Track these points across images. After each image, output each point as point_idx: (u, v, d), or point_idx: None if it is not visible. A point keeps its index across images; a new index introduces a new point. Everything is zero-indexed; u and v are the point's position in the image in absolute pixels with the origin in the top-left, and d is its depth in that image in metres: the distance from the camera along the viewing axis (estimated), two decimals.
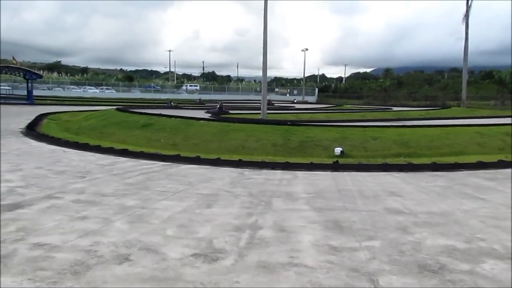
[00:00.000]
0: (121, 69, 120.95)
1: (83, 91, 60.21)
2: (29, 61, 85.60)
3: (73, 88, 61.82)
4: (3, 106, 26.91)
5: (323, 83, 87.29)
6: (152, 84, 76.12)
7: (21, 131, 14.90)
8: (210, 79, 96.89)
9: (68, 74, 77.97)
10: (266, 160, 9.66)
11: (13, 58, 43.88)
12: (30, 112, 21.95)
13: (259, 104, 36.84)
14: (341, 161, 9.64)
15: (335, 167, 8.97)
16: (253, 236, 4.20)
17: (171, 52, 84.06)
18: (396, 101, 53.41)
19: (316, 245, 3.95)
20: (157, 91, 68.22)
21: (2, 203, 5.25)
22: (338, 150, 10.99)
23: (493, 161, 9.28)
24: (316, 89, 73.16)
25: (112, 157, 9.98)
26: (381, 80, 68.37)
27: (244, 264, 3.45)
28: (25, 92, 37.56)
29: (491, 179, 7.71)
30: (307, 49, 64.45)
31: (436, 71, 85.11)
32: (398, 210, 5.36)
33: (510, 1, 57.18)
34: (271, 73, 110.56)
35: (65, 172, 7.70)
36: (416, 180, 7.68)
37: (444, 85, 63.25)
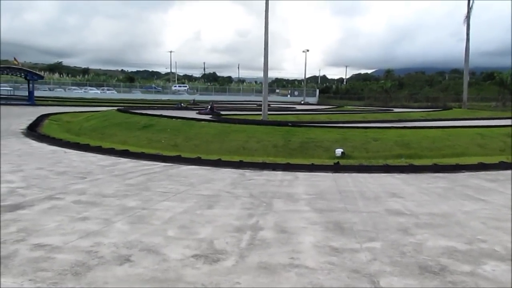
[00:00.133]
0: (122, 70, 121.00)
1: (84, 92, 60.25)
2: (30, 62, 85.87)
3: (74, 89, 61.87)
4: (4, 107, 26.94)
5: (324, 84, 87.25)
6: (153, 85, 76.18)
7: (22, 132, 14.93)
8: (211, 80, 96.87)
9: (69, 75, 78.04)
10: (267, 161, 9.67)
11: (15, 59, 43.96)
12: (31, 113, 21.98)
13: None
14: (342, 162, 9.64)
15: (336, 168, 8.97)
16: (254, 237, 4.20)
17: (172, 53, 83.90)
18: (397, 102, 53.38)
19: (317, 246, 3.94)
20: (158, 92, 68.28)
21: (3, 204, 5.26)
22: (339, 151, 10.98)
23: (494, 162, 9.28)
24: (317, 90, 73.13)
25: (113, 158, 9.98)
26: (382, 81, 68.28)
27: (245, 265, 3.45)
28: (26, 93, 37.68)
29: (492, 181, 7.70)
30: (308, 50, 64.46)
31: (437, 72, 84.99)
32: (399, 212, 5.35)
33: (511, 2, 57.15)
34: (272, 74, 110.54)
35: (66, 173, 7.70)
36: (417, 182, 7.67)
37: (445, 86, 63.20)
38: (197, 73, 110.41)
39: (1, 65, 40.27)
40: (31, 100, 35.06)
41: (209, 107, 25.77)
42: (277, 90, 76.39)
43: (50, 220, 4.61)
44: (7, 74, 40.65)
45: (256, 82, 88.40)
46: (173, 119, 16.25)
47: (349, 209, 5.48)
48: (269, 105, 37.30)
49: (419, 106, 46.50)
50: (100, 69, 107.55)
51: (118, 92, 62.97)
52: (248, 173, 8.42)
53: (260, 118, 20.66)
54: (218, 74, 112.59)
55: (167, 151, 11.35)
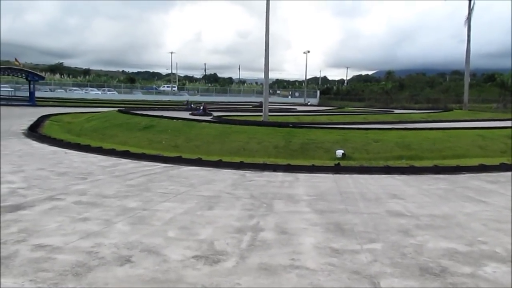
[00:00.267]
0: (123, 70, 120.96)
1: (85, 92, 60.30)
2: (31, 63, 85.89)
3: (75, 90, 61.90)
4: (5, 108, 26.98)
5: (325, 86, 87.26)
6: (154, 86, 76.21)
7: (23, 133, 14.94)
8: (212, 81, 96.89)
9: (70, 76, 78.05)
10: (268, 162, 9.67)
11: (16, 59, 44.02)
12: (32, 114, 22.00)
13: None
14: (343, 163, 9.64)
15: (337, 169, 8.97)
16: (255, 238, 4.20)
17: (173, 54, 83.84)
18: (398, 104, 53.42)
19: (318, 248, 3.94)
20: (158, 93, 68.30)
21: (4, 204, 5.26)
22: (339, 152, 10.98)
23: (495, 164, 9.28)
24: (318, 91, 73.16)
25: (114, 158, 9.99)
26: (383, 82, 68.29)
27: (245, 266, 3.45)
28: (27, 94, 37.72)
29: (493, 182, 7.70)
30: (309, 51, 64.61)
31: (438, 73, 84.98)
32: (400, 213, 5.35)
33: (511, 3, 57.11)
34: (273, 75, 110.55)
35: (67, 174, 7.71)
36: (418, 183, 7.67)
37: (446, 88, 63.18)
38: (198, 74, 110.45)
39: (2, 66, 40.30)
40: (32, 101, 35.10)
41: (202, 108, 25.77)
42: (278, 91, 76.43)
43: (51, 220, 4.61)
44: (8, 75, 40.70)
45: (256, 83, 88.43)
46: (174, 120, 16.27)
47: (349, 210, 5.48)
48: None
49: (420, 107, 46.50)
50: (101, 70, 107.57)
51: (119, 93, 63.01)
52: (249, 174, 8.42)
53: (261, 119, 20.68)
54: (219, 75, 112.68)
55: (168, 152, 11.36)
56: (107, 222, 4.63)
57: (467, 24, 38.03)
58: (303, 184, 7.51)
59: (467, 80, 40.78)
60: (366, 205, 5.82)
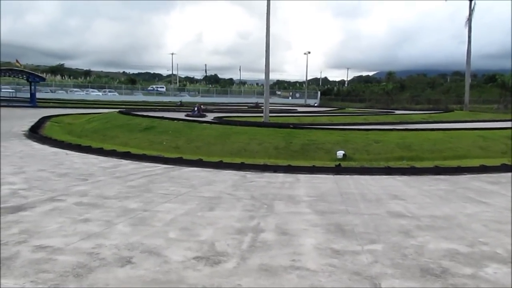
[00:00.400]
0: (123, 72, 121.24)
1: (86, 93, 60.39)
2: (32, 64, 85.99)
3: (76, 91, 61.99)
4: (6, 109, 27.01)
5: (326, 86, 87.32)
6: (155, 87, 76.25)
7: (24, 134, 14.96)
8: (213, 82, 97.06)
9: (71, 77, 78.22)
10: (268, 163, 9.67)
11: (17, 61, 44.18)
12: (33, 115, 22.03)
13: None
14: (344, 164, 9.63)
15: (338, 170, 8.96)
16: (255, 239, 4.20)
17: (173, 55, 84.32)
18: (399, 105, 53.41)
19: (318, 249, 3.94)
20: (159, 93, 68.35)
21: (5, 205, 5.27)
22: (340, 153, 10.99)
23: (496, 164, 9.27)
24: (319, 92, 73.18)
25: (115, 159, 9.99)
26: (384, 83, 68.36)
27: (246, 267, 3.45)
28: (28, 95, 37.76)
29: (494, 183, 7.69)
30: (309, 52, 64.52)
31: (439, 74, 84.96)
32: (401, 214, 5.34)
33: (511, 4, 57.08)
34: (274, 76, 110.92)
35: (68, 175, 7.72)
36: (418, 184, 7.66)
37: (447, 89, 63.14)
38: (198, 75, 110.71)
39: (3, 67, 40.37)
40: (33, 102, 35.12)
41: (196, 108, 25.70)
42: (279, 92, 76.47)
43: (52, 221, 4.61)
44: (9, 76, 40.80)
45: (257, 84, 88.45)
46: (175, 121, 16.28)
47: (350, 211, 5.48)
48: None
49: (421, 108, 46.50)
50: (101, 71, 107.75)
51: (120, 94, 63.09)
52: (250, 175, 8.42)
53: (262, 120, 20.68)
54: (220, 76, 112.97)
55: (169, 153, 11.37)
56: (108, 223, 4.63)
57: (467, 25, 38.05)
58: (304, 185, 7.51)
59: (468, 81, 40.78)
60: (367, 206, 5.81)
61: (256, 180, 7.81)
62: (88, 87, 66.58)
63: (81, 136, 15.55)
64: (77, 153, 10.94)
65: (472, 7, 37.56)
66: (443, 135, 13.76)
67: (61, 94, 56.04)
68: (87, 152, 10.98)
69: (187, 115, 22.29)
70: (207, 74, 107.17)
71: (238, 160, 9.85)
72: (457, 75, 73.20)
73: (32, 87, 36.58)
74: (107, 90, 65.89)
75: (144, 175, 7.94)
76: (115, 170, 8.44)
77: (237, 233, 4.39)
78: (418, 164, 9.61)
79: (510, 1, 43.82)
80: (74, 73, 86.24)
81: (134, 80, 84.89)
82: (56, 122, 20.51)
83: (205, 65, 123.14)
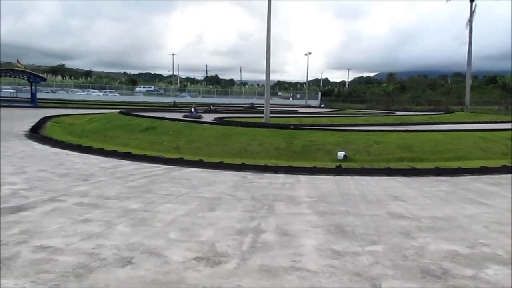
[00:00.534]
0: (124, 72, 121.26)
1: (87, 94, 60.39)
2: (33, 64, 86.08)
3: (76, 91, 61.97)
4: (7, 109, 27.05)
5: (326, 87, 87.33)
6: (156, 87, 76.26)
7: (24, 134, 14.97)
8: (213, 82, 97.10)
9: (72, 77, 78.19)
10: (269, 164, 9.66)
11: (18, 61, 44.16)
12: (34, 115, 22.05)
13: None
14: (344, 165, 9.62)
15: (338, 171, 8.96)
16: (256, 240, 4.20)
17: (174, 55, 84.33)
18: (400, 106, 53.47)
19: (319, 249, 3.94)
20: (160, 94, 68.38)
21: (6, 205, 5.27)
22: (341, 154, 10.98)
23: (496, 166, 9.26)
24: (319, 93, 73.18)
25: (115, 160, 10.00)
26: (385, 84, 68.39)
27: (246, 268, 3.45)
28: (29, 95, 37.76)
29: (494, 184, 7.69)
30: (310, 53, 64.52)
31: (440, 75, 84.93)
32: (401, 215, 5.34)
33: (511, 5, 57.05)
34: (274, 77, 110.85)
35: (68, 175, 7.72)
36: (419, 185, 7.66)
37: (448, 90, 63.14)
38: (199, 76, 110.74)
39: (4, 68, 40.42)
40: (33, 102, 35.14)
41: (193, 109, 25.69)
42: (279, 93, 76.45)
43: (52, 222, 4.62)
44: (10, 76, 40.84)
45: (258, 84, 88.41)
46: (175, 122, 16.28)
47: (351, 212, 5.48)
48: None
49: (422, 109, 46.55)
50: (102, 72, 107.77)
51: (121, 94, 63.10)
52: (250, 175, 8.42)
53: (262, 120, 20.68)
54: (220, 76, 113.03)
55: (169, 153, 11.37)
56: (109, 223, 4.63)
57: (468, 26, 38.05)
58: (304, 186, 7.51)
59: (468, 82, 40.76)
60: (368, 207, 5.81)
61: (257, 181, 7.81)
62: (88, 88, 66.58)
63: (82, 137, 15.55)
64: (78, 153, 10.94)
65: (473, 8, 37.59)
66: (443, 136, 13.75)
67: (61, 95, 56.07)
68: (87, 153, 10.99)
69: (185, 116, 22.32)
70: (208, 75, 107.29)
71: (238, 161, 9.85)
72: (458, 76, 73.22)
73: (33, 87, 36.59)
74: (108, 90, 65.90)
75: (144, 176, 7.94)
76: (115, 171, 8.44)
77: (237, 233, 4.39)
78: (418, 165, 9.60)
79: (511, 2, 43.78)
80: (75, 74, 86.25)
81: (134, 81, 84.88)
82: (57, 122, 20.53)
83: (206, 65, 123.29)
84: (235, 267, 3.46)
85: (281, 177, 8.30)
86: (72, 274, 3.20)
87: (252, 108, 40.13)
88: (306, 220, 4.99)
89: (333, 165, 9.64)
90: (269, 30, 20.85)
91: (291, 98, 72.39)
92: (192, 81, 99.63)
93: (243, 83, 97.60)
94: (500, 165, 9.29)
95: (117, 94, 63.02)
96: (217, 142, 12.93)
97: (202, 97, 66.74)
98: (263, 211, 5.45)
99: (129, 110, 25.11)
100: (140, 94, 65.91)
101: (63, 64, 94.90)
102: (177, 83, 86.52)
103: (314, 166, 9.28)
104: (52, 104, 36.34)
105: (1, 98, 35.00)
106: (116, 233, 4.27)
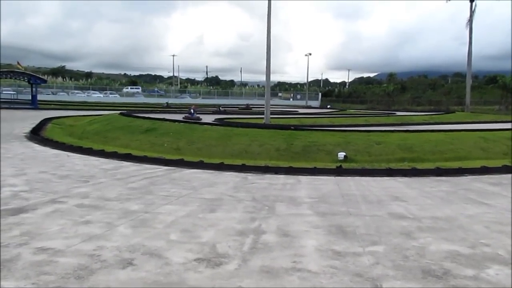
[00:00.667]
0: (125, 73, 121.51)
1: (87, 95, 60.46)
2: (33, 66, 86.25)
3: (77, 93, 62.10)
4: (7, 111, 27.08)
5: (327, 88, 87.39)
6: (156, 89, 76.38)
7: (25, 136, 14.98)
8: (214, 83, 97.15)
9: (72, 79, 78.39)
10: (270, 165, 9.65)
11: (18, 63, 44.16)
12: (34, 117, 22.06)
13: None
14: (345, 165, 9.62)
15: (339, 171, 8.95)
16: (257, 240, 4.20)
17: (174, 57, 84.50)
18: (400, 106, 53.48)
19: (320, 250, 3.94)
20: (160, 95, 68.44)
21: (6, 207, 5.27)
22: (341, 154, 10.97)
23: (497, 166, 9.24)
24: (320, 94, 73.22)
25: (116, 161, 10.00)
26: (385, 85, 68.47)
27: (247, 268, 3.45)
28: (29, 97, 37.77)
29: (495, 184, 7.68)
30: (310, 54, 64.61)
31: (440, 76, 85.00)
32: (402, 215, 5.34)
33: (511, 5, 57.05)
34: (274, 78, 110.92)
35: (69, 177, 7.72)
36: (420, 185, 7.65)
37: (448, 90, 63.16)
38: (199, 77, 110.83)
39: (5, 69, 40.45)
40: (34, 104, 35.16)
41: (192, 110, 25.64)
42: (280, 94, 76.51)
43: (53, 223, 4.62)
44: (10, 78, 40.87)
45: (258, 85, 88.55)
46: (176, 123, 16.29)
47: (351, 212, 5.47)
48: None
49: (422, 109, 46.54)
50: (103, 73, 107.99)
51: (121, 96, 63.13)
52: (251, 176, 8.42)
53: (263, 121, 20.68)
54: (221, 77, 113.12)
55: (170, 154, 11.37)
56: (109, 225, 4.63)
57: (468, 26, 38.04)
58: (305, 186, 7.50)
59: (469, 82, 40.75)
60: (368, 207, 5.81)
61: (257, 182, 7.80)
62: (89, 89, 66.69)
63: (82, 138, 15.56)
64: (78, 155, 10.94)
65: (473, 8, 37.59)
66: (444, 136, 13.74)
67: (62, 96, 56.17)
68: (88, 154, 10.99)
69: (185, 117, 22.30)
70: (208, 76, 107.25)
71: (239, 162, 9.84)
72: (458, 77, 73.26)
73: (33, 89, 36.60)
74: (108, 92, 65.96)
75: (145, 177, 7.94)
76: (116, 172, 8.45)
77: (238, 234, 4.39)
78: (419, 166, 9.59)
79: (511, 2, 43.80)
80: (75, 75, 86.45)
81: (135, 82, 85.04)
82: (58, 124, 20.53)
83: (206, 66, 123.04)
84: (236, 268, 3.46)
85: (281, 178, 8.30)
86: (73, 275, 3.20)
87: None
88: (306, 221, 4.99)
89: (333, 165, 9.63)
90: (269, 31, 20.87)
91: (291, 99, 72.45)
92: (193, 82, 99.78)
93: (244, 84, 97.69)
94: (501, 165, 9.28)
95: (118, 96, 63.07)
96: (217, 143, 12.93)
97: (203, 98, 66.80)
98: (264, 212, 5.45)
99: (129, 111, 25.11)
100: (140, 96, 65.92)
101: (64, 66, 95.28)
102: (177, 84, 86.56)
103: (315, 167, 9.27)
104: (52, 106, 36.43)
105: (2, 100, 35.02)
106: (116, 235, 4.28)
